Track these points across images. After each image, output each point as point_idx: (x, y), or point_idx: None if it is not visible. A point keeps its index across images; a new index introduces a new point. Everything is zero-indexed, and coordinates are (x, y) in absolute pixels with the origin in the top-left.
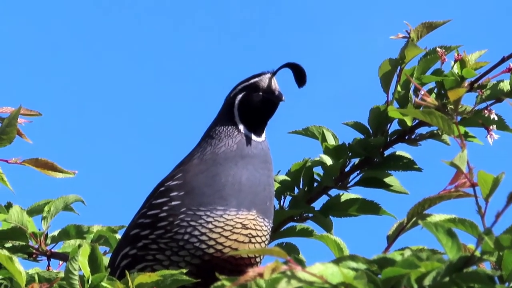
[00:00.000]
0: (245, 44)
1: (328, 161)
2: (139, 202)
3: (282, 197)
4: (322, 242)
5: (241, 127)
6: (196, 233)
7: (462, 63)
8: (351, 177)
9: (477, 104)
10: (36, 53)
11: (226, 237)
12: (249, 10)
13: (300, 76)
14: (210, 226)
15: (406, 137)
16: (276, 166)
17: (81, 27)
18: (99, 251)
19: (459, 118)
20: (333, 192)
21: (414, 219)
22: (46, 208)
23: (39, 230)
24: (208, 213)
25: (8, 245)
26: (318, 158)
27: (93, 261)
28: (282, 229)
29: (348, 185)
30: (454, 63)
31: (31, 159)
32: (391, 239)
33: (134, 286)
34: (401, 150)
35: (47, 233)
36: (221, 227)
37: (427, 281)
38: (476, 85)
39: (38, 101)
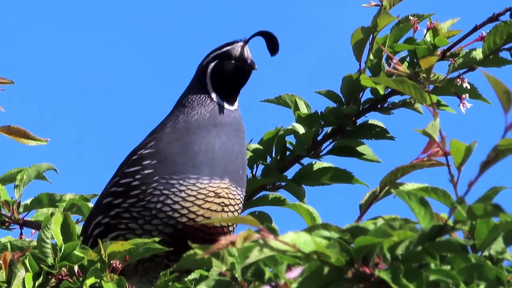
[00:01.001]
0: (217, 12)
1: (301, 129)
2: (111, 171)
3: (255, 165)
4: (294, 211)
5: (213, 95)
6: (169, 201)
7: (435, 31)
8: (324, 145)
9: (450, 72)
10: (9, 18)
11: (199, 205)
12: None
13: (272, 44)
14: (182, 194)
15: (379, 106)
16: (248, 135)
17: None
18: (71, 220)
19: (431, 87)
20: (306, 160)
21: (386, 188)
22: (18, 177)
23: (12, 198)
24: (181, 181)
25: None
26: (290, 127)
27: (66, 229)
28: (254, 198)
29: (321, 153)
30: (427, 32)
31: (3, 126)
32: (364, 208)
33: (106, 255)
34: (374, 118)
35: (20, 201)
36: (194, 196)
37: (399, 250)
38: (448, 53)
39: (10, 68)
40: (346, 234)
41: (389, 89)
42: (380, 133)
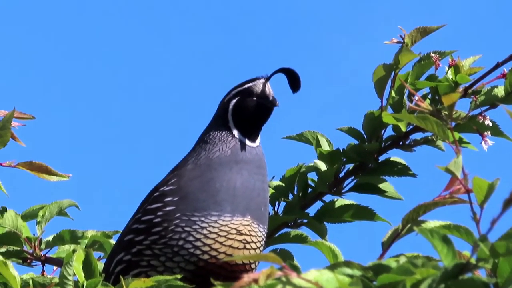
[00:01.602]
0: (239, 48)
1: (323, 166)
2: (133, 208)
3: (277, 202)
4: (316, 248)
5: (235, 132)
6: (191, 238)
7: (456, 68)
8: (346, 183)
9: (471, 110)
10: (30, 55)
11: (221, 243)
12: (245, 14)
13: (294, 81)
14: (204, 231)
15: (401, 143)
16: (270, 172)
17: (76, 30)
18: (93, 257)
19: (453, 124)
20: (328, 198)
21: (409, 225)
22: (40, 213)
23: (34, 235)
24: (202, 218)
25: (3, 250)
26: (312, 164)
27: (88, 266)
28: (276, 235)
29: (343, 191)
30: (448, 69)
31: (25, 162)
32: (386, 245)
33: None
34: (396, 155)
35: (42, 238)
36: (216, 233)
37: None
38: (470, 90)
39: (31, 104)
40: (369, 272)
41: (411, 126)
42: (402, 170)
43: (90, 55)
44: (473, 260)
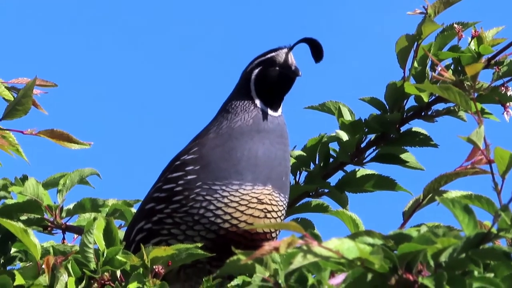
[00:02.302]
0: (263, 18)
1: (344, 136)
2: (155, 176)
3: (298, 172)
4: (337, 218)
5: (257, 101)
6: (212, 207)
7: (479, 39)
8: (367, 153)
9: (494, 81)
10: (53, 23)
11: (242, 211)
12: None
13: (317, 51)
14: (225, 200)
15: (423, 113)
16: (292, 141)
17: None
18: (114, 225)
19: (475, 94)
20: (349, 167)
21: (430, 195)
22: (61, 181)
23: (55, 203)
24: (223, 187)
25: (23, 218)
26: (334, 134)
27: (108, 234)
28: (297, 205)
29: (364, 161)
30: (471, 40)
31: (47, 130)
32: (407, 215)
33: (149, 260)
34: (417, 126)
35: (62, 206)
36: (237, 202)
37: (443, 257)
38: (493, 61)
39: (53, 72)
40: (390, 241)
41: (433, 97)
42: (423, 141)
43: (112, 22)
44: (494, 230)
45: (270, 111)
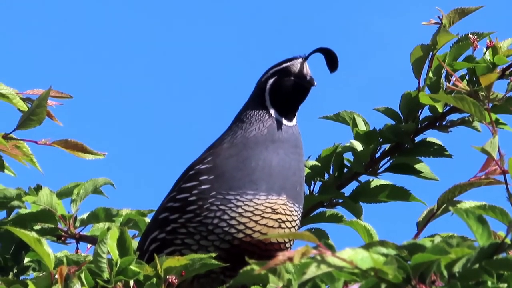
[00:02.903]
0: (278, 28)
1: (359, 146)
2: (168, 186)
3: (312, 182)
4: (351, 228)
5: (272, 111)
6: (226, 217)
7: (494, 50)
8: (382, 163)
9: (509, 91)
10: (68, 35)
11: (256, 221)
12: None
13: (332, 61)
14: (239, 210)
15: (437, 124)
16: (306, 151)
17: (114, 12)
18: (127, 235)
19: (490, 105)
20: (363, 178)
21: (444, 205)
22: (75, 191)
23: (68, 212)
24: (238, 197)
25: (37, 227)
26: (348, 144)
27: (122, 244)
28: (311, 215)
29: (378, 171)
30: (486, 50)
31: (61, 140)
32: (421, 225)
33: (162, 270)
34: (432, 136)
35: (76, 216)
36: (251, 212)
37: (456, 268)
38: (507, 72)
39: (69, 83)
40: (403, 251)
41: (448, 107)
42: (438, 151)
43: (127, 34)
44: (508, 240)
45: (284, 121)
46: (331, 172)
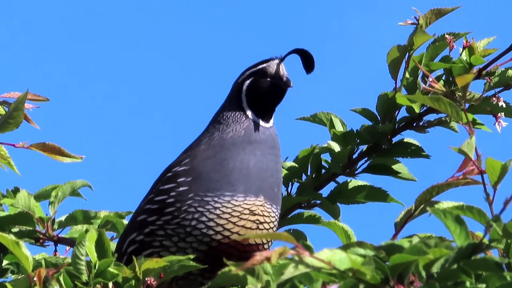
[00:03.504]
0: (254, 29)
1: (336, 147)
2: (146, 188)
3: (290, 183)
4: (329, 229)
5: (249, 112)
6: (204, 219)
7: (471, 50)
8: (359, 164)
9: (485, 91)
10: (43, 38)
11: (234, 223)
12: None
13: (308, 62)
14: (217, 212)
15: (414, 124)
16: (284, 153)
17: (89, 12)
18: (106, 237)
19: (467, 105)
20: (341, 179)
21: (422, 206)
22: (53, 193)
23: (46, 215)
24: (215, 198)
25: (15, 230)
26: (326, 145)
27: (100, 246)
28: (289, 216)
29: (356, 172)
30: (463, 50)
31: (39, 143)
32: (399, 226)
33: (141, 272)
34: (409, 137)
35: (54, 218)
36: (229, 213)
37: (435, 268)
38: (484, 72)
39: (45, 86)
40: (381, 252)
41: (425, 108)
42: (415, 152)
43: (103, 36)
44: (486, 241)
45: (261, 122)
46: (308, 173)
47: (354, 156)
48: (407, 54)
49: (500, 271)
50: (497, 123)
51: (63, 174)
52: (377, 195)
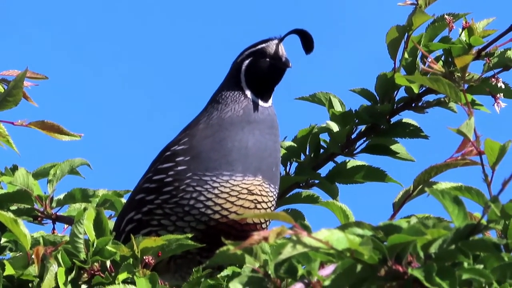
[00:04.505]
0: (253, 9)
1: (335, 127)
2: (145, 166)
3: (288, 163)
4: (327, 209)
5: (247, 92)
6: (202, 198)
7: (470, 30)
8: (358, 144)
9: (485, 72)
10: (42, 15)
11: (232, 202)
12: None
13: (307, 42)
14: (216, 191)
15: (413, 105)
16: (282, 132)
17: None
18: (104, 215)
19: (466, 86)
20: (340, 158)
21: (420, 186)
22: (51, 171)
23: (45, 193)
24: (214, 178)
25: (13, 208)
26: (324, 125)
27: (98, 225)
28: (287, 196)
29: (355, 152)
30: (462, 31)
31: (37, 121)
32: (397, 206)
33: (139, 250)
34: (408, 117)
35: (53, 196)
36: (227, 193)
37: (433, 249)
38: (483, 53)
39: (43, 64)
40: (380, 232)
41: (424, 88)
42: (414, 132)
43: (100, 12)
44: (483, 221)
45: (260, 102)
46: (307, 153)
47: (352, 136)
48: (406, 34)
49: (498, 252)
50: (496, 104)
51: (61, 152)
52: (376, 175)
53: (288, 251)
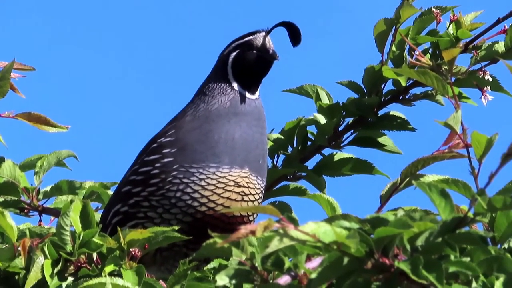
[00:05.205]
0: (240, 1)
1: (322, 120)
2: (131, 158)
3: (276, 155)
4: (315, 201)
5: (234, 84)
6: (189, 190)
7: (458, 24)
8: (345, 136)
9: (472, 65)
10: (29, 6)
11: (219, 194)
12: None
13: (294, 35)
14: (202, 183)
15: (400, 97)
16: (270, 124)
17: None
18: (90, 207)
19: (453, 79)
20: (327, 151)
21: (407, 179)
22: (38, 163)
23: (31, 185)
24: (200, 170)
25: (0, 200)
26: (312, 117)
27: (85, 217)
28: (275, 188)
29: (342, 144)
30: (450, 24)
31: (24, 113)
32: (384, 199)
33: (125, 243)
34: (395, 110)
35: (39, 188)
36: (214, 185)
37: (419, 241)
38: (471, 46)
39: (31, 56)
40: (366, 225)
41: (411, 81)
42: (401, 125)
43: (90, 2)
44: (470, 214)
45: (247, 94)
46: (294, 145)
47: (340, 129)
48: (394, 27)
49: (485, 244)
50: (483, 97)
51: (48, 144)
52: (363, 167)
53: (275, 245)
